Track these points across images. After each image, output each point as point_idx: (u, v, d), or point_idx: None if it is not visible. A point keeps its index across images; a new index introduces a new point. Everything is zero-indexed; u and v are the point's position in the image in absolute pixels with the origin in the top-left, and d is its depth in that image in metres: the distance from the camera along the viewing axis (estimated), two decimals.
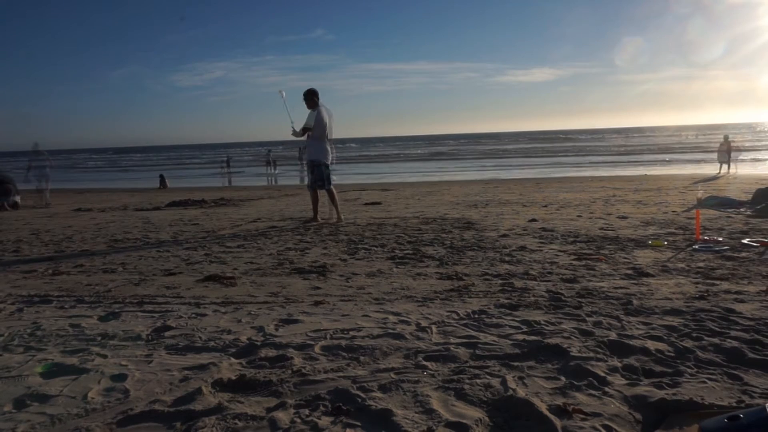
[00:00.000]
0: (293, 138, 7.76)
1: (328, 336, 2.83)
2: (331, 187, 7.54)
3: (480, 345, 2.62)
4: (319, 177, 7.44)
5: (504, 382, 2.19)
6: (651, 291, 3.52)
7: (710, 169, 18.96)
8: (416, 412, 1.97)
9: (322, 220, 7.62)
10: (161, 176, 23.76)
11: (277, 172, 30.96)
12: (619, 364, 2.35)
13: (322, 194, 7.66)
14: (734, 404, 1.97)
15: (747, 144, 34.10)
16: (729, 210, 7.58)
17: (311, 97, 7.41)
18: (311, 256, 5.08)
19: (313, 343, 2.72)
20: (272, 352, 2.61)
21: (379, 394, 2.12)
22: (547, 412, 1.92)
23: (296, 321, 3.11)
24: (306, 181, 7.91)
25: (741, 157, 18.14)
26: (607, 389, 2.12)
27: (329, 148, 7.53)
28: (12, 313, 3.49)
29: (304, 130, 7.38)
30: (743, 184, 11.95)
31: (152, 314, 3.35)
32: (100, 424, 1.97)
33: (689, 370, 2.28)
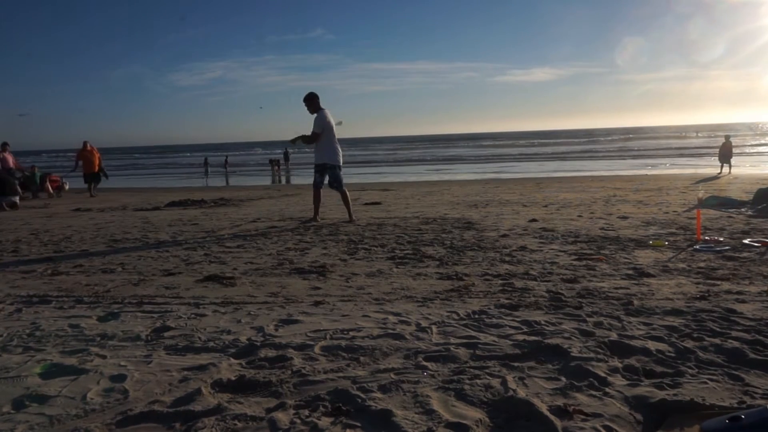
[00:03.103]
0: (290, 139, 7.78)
1: (328, 336, 2.82)
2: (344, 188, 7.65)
3: (480, 345, 2.61)
4: (335, 179, 7.53)
5: (504, 383, 2.18)
6: (652, 291, 3.52)
7: (711, 170, 18.95)
8: (416, 413, 1.97)
9: (321, 220, 7.62)
10: (206, 159, 24.54)
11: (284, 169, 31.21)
12: (619, 365, 2.35)
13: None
14: (735, 405, 1.96)
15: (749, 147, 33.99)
16: (730, 210, 7.57)
17: (314, 101, 7.46)
18: (311, 256, 5.07)
19: (312, 343, 2.71)
20: (272, 353, 2.60)
21: (379, 395, 2.11)
22: (547, 413, 1.92)
23: (296, 321, 3.11)
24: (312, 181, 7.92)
25: (732, 162, 18.14)
26: (607, 390, 2.11)
27: (339, 149, 7.60)
28: (11, 313, 3.48)
29: (315, 134, 7.38)
30: (744, 184, 11.94)
31: (151, 314, 3.34)
32: (99, 424, 1.96)
33: (690, 371, 2.27)
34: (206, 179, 26.72)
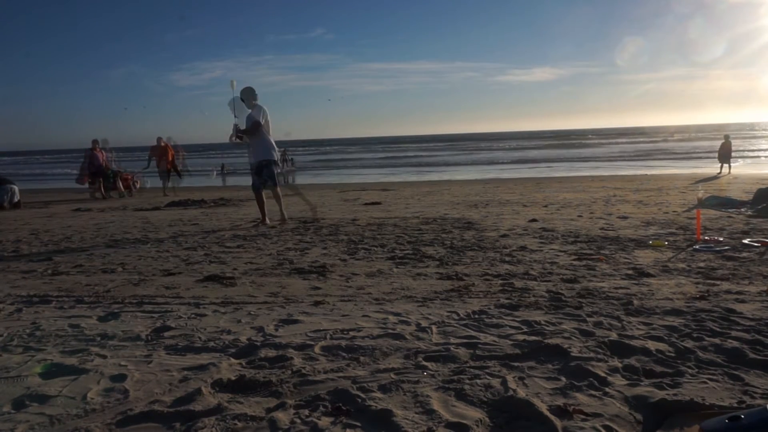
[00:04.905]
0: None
1: (328, 336, 2.82)
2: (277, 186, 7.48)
3: (480, 345, 2.61)
4: (270, 175, 7.35)
5: (504, 383, 2.18)
6: (651, 291, 3.52)
7: (711, 170, 18.95)
8: (416, 413, 1.97)
9: (270, 221, 7.50)
10: (222, 166, 25.34)
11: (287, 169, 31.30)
12: (619, 365, 2.35)
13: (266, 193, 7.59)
14: (735, 405, 1.96)
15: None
16: (730, 210, 7.57)
17: (254, 95, 7.32)
18: (311, 256, 5.07)
19: (312, 343, 2.72)
20: (272, 353, 2.61)
21: (379, 395, 2.12)
22: (547, 413, 1.92)
23: (296, 321, 3.11)
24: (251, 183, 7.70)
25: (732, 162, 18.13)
26: (607, 390, 2.11)
27: (274, 144, 7.45)
28: (11, 313, 3.48)
29: (257, 123, 7.17)
30: (744, 184, 11.94)
31: (152, 314, 3.34)
32: (100, 424, 1.96)
33: (690, 371, 2.27)
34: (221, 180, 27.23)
